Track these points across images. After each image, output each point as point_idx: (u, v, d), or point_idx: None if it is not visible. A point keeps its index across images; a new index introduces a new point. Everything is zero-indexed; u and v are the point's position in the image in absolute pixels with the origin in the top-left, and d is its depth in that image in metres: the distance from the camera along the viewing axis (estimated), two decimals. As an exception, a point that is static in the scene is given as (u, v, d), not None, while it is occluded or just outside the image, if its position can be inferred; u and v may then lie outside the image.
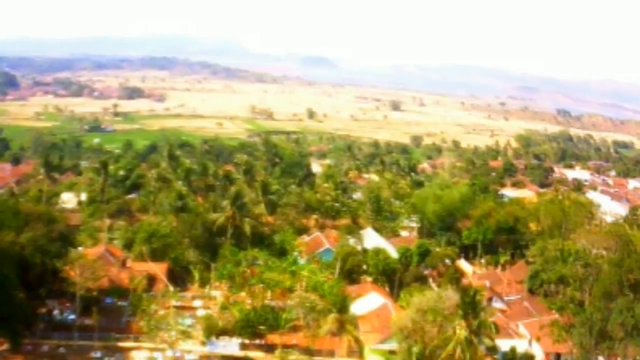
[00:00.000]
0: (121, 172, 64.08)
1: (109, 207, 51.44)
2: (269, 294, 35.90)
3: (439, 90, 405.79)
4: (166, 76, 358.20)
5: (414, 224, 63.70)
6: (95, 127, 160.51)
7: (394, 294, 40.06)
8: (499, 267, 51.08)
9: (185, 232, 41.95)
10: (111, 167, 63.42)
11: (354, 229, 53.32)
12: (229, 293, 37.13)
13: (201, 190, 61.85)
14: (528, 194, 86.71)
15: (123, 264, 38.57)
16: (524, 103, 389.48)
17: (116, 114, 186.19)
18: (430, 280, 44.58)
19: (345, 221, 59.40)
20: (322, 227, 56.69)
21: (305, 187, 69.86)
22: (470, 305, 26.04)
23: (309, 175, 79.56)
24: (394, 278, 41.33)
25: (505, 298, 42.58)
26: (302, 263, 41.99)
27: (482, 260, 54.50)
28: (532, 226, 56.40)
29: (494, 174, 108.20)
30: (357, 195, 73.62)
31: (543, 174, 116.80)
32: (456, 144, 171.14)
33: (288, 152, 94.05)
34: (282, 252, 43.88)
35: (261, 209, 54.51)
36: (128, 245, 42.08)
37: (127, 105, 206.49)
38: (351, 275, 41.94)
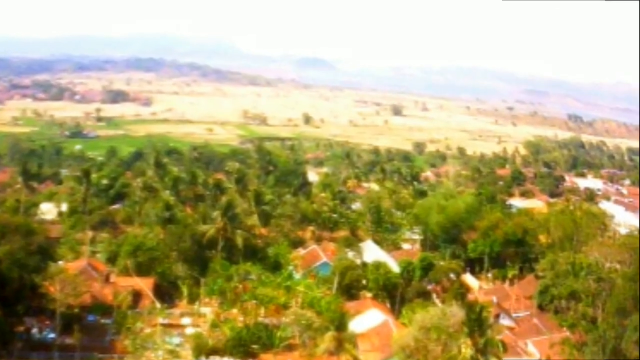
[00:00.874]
0: (104, 181, 63.86)
1: (91, 219, 51.23)
2: (262, 310, 35.87)
3: (443, 94, 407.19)
4: (153, 79, 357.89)
5: (416, 236, 63.67)
6: (77, 133, 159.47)
7: (395, 311, 40.01)
8: (507, 282, 51.09)
9: (173, 245, 41.67)
10: (94, 176, 62.70)
11: (353, 241, 53.26)
12: (220, 310, 37.06)
13: (190, 200, 62.04)
14: (538, 204, 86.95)
15: (106, 279, 38.35)
16: (532, 107, 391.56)
17: (99, 119, 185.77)
18: (434, 295, 44.58)
19: (343, 233, 59.36)
20: (318, 240, 56.68)
21: (301, 197, 69.88)
22: (477, 322, 26.00)
23: (305, 184, 79.62)
24: (395, 293, 41.30)
25: (514, 314, 42.54)
26: (298, 278, 41.96)
27: (489, 275, 54.50)
28: (542, 238, 56.43)
29: (501, 182, 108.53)
30: (356, 206, 73.68)
31: (553, 183, 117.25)
32: (461, 151, 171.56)
33: (283, 160, 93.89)
34: (276, 266, 43.93)
35: (254, 220, 54.45)
36: (112, 259, 41.88)
37: (110, 110, 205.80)
38: (350, 290, 41.92)
